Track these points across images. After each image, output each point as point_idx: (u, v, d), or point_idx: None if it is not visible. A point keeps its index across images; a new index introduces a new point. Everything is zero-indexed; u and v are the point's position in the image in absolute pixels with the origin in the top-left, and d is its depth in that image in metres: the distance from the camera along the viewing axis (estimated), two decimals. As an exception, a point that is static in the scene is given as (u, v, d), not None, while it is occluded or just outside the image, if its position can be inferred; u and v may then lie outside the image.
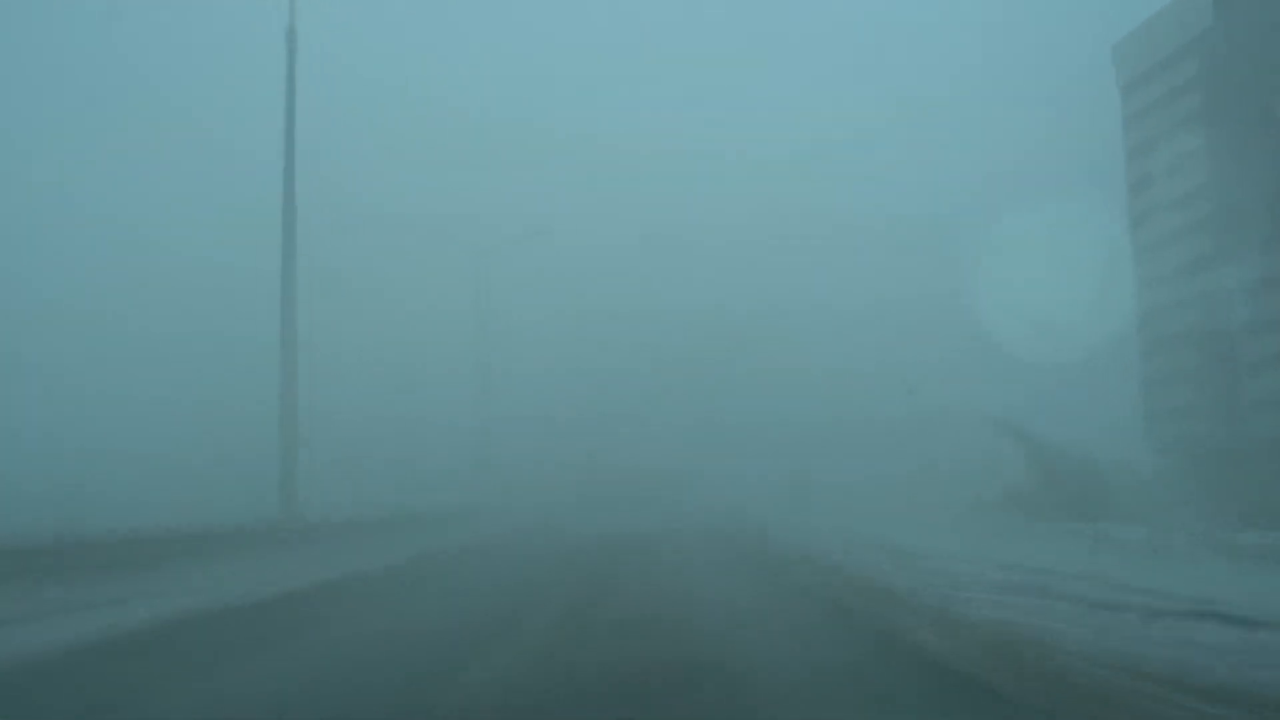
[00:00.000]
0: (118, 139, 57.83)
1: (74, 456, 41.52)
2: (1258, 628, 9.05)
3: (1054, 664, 8.02)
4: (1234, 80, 42.56)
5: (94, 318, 53.94)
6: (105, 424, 47.89)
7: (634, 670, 8.03)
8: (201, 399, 49.84)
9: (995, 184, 61.66)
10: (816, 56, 75.88)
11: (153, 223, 57.09)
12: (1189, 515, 23.77)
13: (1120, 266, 52.29)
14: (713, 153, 69.28)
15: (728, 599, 13.32)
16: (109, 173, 58.00)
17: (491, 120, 66.01)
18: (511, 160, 64.16)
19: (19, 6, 62.26)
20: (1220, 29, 43.15)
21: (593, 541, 24.82)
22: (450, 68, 71.03)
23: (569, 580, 15.63)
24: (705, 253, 65.75)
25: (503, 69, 78.78)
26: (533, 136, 65.76)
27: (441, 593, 14.92)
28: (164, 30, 65.83)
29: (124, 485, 38.47)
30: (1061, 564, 15.32)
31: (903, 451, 52.96)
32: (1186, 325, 45.06)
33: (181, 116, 59.85)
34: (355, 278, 58.77)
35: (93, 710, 7.06)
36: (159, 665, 8.72)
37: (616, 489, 55.02)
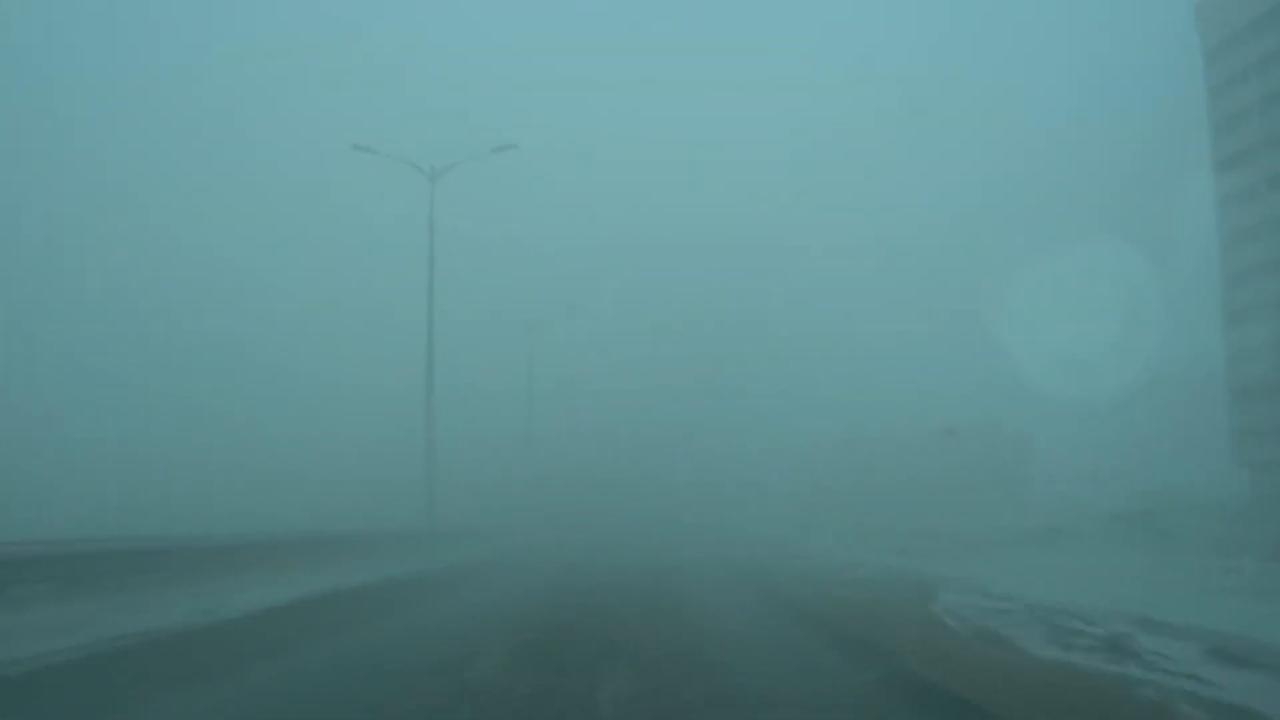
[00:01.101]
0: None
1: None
2: None
3: None
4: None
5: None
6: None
7: None
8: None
9: (1022, 209, 58.43)
10: (829, 63, 72.14)
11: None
12: None
13: (1144, 308, 48.36)
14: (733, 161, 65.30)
15: None
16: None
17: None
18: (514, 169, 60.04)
19: None
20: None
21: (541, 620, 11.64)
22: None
23: None
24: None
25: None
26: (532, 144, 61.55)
27: None
28: None
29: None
30: None
31: (929, 471, 48.24)
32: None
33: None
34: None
35: None
36: None
37: (604, 508, 48.94)
